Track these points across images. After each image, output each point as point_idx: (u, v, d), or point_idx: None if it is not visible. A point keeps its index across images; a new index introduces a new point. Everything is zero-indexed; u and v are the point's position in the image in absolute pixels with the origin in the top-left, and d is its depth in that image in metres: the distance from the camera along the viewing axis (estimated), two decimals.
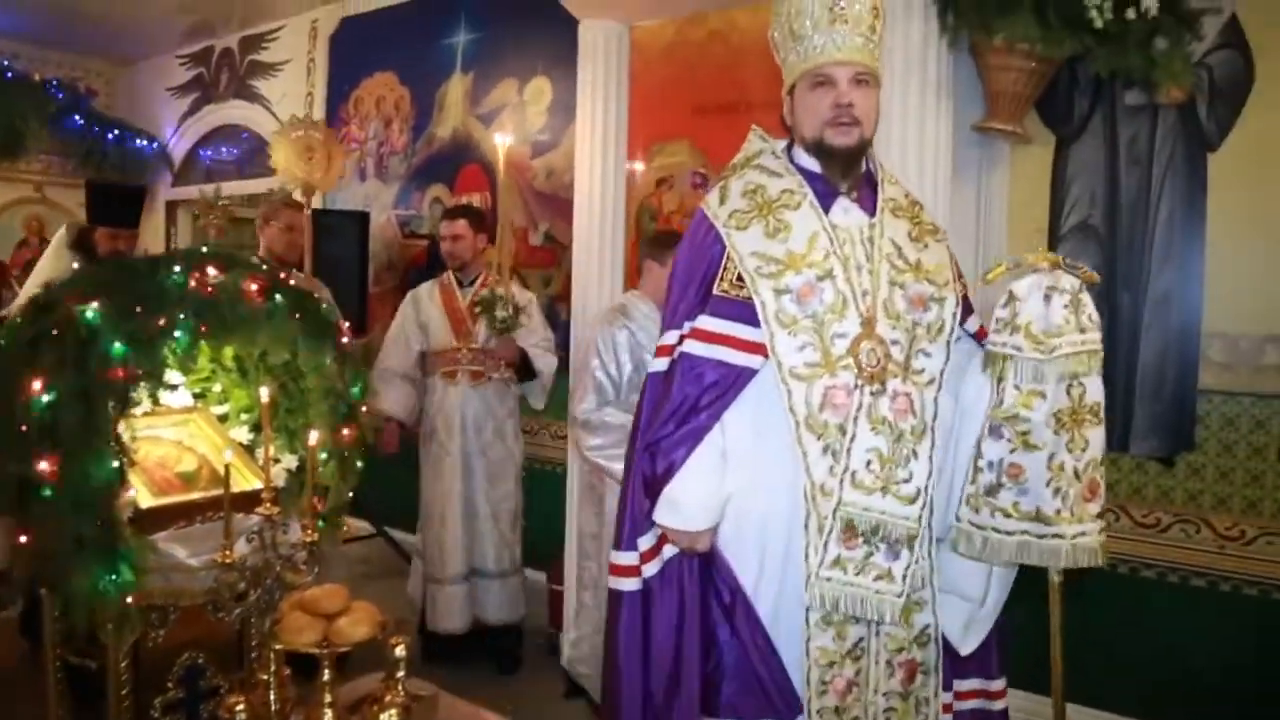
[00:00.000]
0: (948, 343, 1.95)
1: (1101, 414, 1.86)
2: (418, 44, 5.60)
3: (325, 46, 6.28)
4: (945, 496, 1.98)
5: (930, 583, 1.96)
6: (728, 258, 1.94)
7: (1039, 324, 1.82)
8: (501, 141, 3.45)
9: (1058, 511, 1.83)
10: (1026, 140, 3.19)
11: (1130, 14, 2.71)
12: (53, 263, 4.12)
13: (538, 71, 4.96)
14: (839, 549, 1.86)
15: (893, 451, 1.86)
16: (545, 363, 3.87)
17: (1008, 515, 1.86)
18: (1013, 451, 1.85)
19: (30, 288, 3.70)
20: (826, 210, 1.95)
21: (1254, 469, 3.04)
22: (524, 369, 3.82)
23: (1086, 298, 1.86)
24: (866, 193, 2.01)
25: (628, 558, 2.02)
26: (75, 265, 3.77)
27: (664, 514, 1.94)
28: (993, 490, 1.87)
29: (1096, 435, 1.86)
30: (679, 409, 1.91)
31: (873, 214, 1.97)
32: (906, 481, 1.87)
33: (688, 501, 1.92)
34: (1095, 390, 1.85)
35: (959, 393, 1.97)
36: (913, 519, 1.87)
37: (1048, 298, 1.83)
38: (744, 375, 1.91)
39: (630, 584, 2.01)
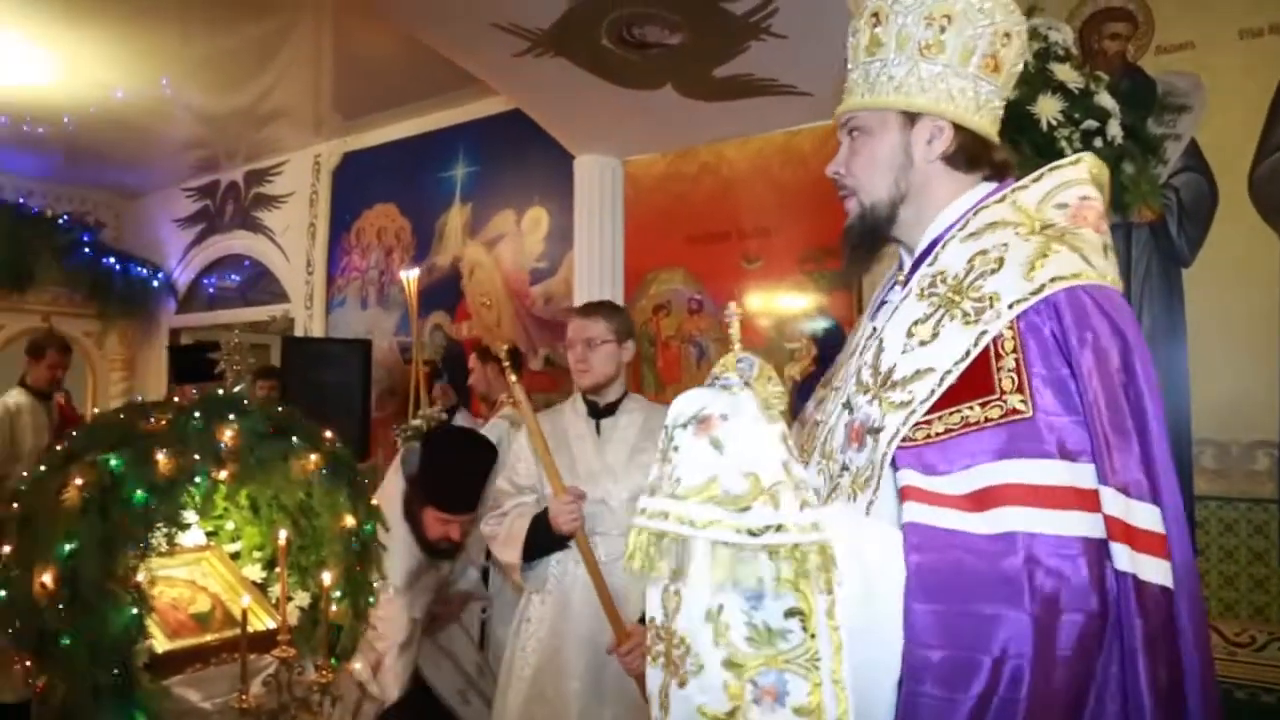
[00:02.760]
0: (869, 504, 1.19)
1: None
2: (417, 177, 5.82)
3: (328, 180, 6.53)
4: None
5: None
6: None
7: None
8: (407, 276, 3.62)
9: None
10: None
11: (1098, 143, 2.89)
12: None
13: (534, 201, 5.15)
14: None
15: None
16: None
17: None
18: None
19: None
20: (882, 301, 1.40)
21: (1257, 574, 3.07)
22: None
23: None
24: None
25: None
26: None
27: None
28: None
29: None
30: None
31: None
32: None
33: None
34: None
35: None
36: None
37: None
38: None
39: None
